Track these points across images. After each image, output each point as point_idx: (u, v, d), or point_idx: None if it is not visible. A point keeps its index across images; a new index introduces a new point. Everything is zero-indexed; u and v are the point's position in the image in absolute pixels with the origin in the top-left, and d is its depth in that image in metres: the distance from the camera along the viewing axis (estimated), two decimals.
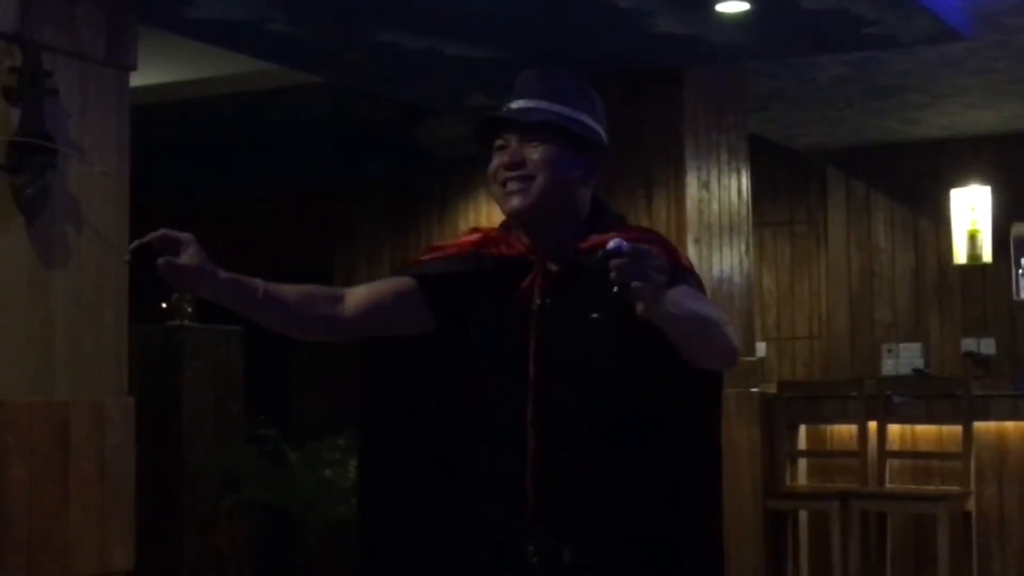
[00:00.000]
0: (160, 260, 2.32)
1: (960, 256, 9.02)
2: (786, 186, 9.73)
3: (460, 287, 2.57)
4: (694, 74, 6.81)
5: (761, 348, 8.79)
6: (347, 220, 9.87)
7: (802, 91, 7.87)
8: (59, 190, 4.52)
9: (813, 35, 6.34)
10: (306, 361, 9.27)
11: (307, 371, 9.41)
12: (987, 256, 8.94)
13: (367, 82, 7.26)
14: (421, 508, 2.66)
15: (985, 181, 9.03)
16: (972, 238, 8.95)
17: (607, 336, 2.43)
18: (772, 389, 7.30)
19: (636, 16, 5.89)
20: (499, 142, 2.52)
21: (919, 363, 9.12)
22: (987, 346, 9.00)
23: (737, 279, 7.06)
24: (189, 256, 2.34)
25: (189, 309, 6.96)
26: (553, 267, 2.52)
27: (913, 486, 6.98)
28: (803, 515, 7.09)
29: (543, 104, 2.50)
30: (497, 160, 2.52)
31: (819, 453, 7.31)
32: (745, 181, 7.25)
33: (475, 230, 2.65)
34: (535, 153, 2.48)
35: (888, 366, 9.21)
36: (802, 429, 7.32)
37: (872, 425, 6.94)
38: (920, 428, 6.99)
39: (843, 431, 7.19)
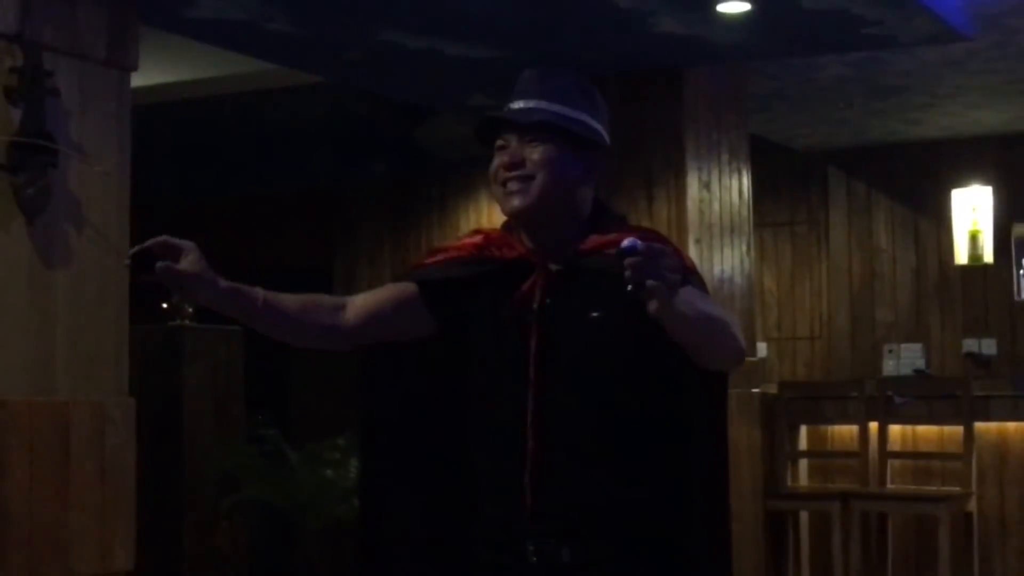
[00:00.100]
0: (159, 264, 2.33)
1: (961, 256, 9.00)
2: (787, 186, 9.72)
3: (461, 290, 2.57)
4: (694, 74, 6.80)
5: (762, 348, 8.78)
6: (347, 220, 9.85)
7: (803, 91, 7.86)
8: (60, 190, 4.51)
9: (814, 35, 6.34)
10: (306, 361, 9.25)
11: (307, 371, 9.39)
12: (988, 256, 8.92)
13: (367, 82, 7.25)
14: (421, 508, 2.66)
15: (986, 181, 9.02)
16: (973, 238, 8.94)
17: (608, 336, 2.44)
18: (773, 389, 7.30)
19: (637, 16, 5.88)
20: (499, 142, 2.52)
21: (920, 363, 9.10)
22: (988, 347, 9.00)
23: (738, 279, 7.05)
24: (189, 263, 2.35)
25: (190, 309, 6.97)
26: (554, 267, 2.52)
27: (914, 487, 6.98)
28: (804, 516, 7.09)
29: (543, 104, 2.50)
30: (497, 160, 2.52)
31: (820, 453, 7.31)
32: (746, 181, 7.24)
33: (477, 231, 2.65)
34: (535, 153, 2.48)
35: (889, 366, 9.20)
36: (803, 429, 7.32)
37: (873, 425, 6.94)
38: (921, 428, 6.99)
39: (844, 431, 7.18)
